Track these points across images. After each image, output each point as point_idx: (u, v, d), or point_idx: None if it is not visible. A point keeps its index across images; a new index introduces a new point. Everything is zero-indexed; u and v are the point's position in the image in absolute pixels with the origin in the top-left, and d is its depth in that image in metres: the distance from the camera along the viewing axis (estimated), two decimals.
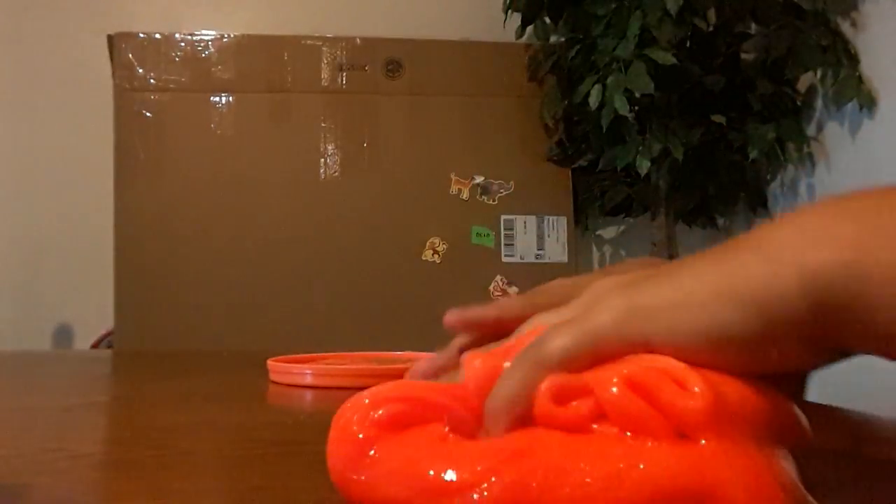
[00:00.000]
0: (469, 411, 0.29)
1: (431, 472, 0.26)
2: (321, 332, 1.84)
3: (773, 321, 0.26)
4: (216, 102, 1.91)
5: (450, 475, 0.26)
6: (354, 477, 0.28)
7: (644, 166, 1.77)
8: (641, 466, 0.25)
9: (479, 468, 0.26)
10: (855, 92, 1.71)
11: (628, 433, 0.26)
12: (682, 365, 0.27)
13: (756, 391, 0.28)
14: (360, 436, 0.29)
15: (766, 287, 0.26)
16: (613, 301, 0.29)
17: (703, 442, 0.26)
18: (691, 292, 0.27)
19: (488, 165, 1.98)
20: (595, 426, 0.27)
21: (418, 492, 0.26)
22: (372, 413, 0.29)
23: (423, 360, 0.42)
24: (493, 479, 0.26)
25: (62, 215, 2.21)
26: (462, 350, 0.40)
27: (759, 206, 2.02)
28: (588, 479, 0.25)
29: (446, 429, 0.29)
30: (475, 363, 0.30)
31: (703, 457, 0.26)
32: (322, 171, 1.92)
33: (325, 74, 1.94)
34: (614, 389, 0.27)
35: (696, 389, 0.26)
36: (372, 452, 0.28)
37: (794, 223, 0.27)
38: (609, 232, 2.28)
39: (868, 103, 1.71)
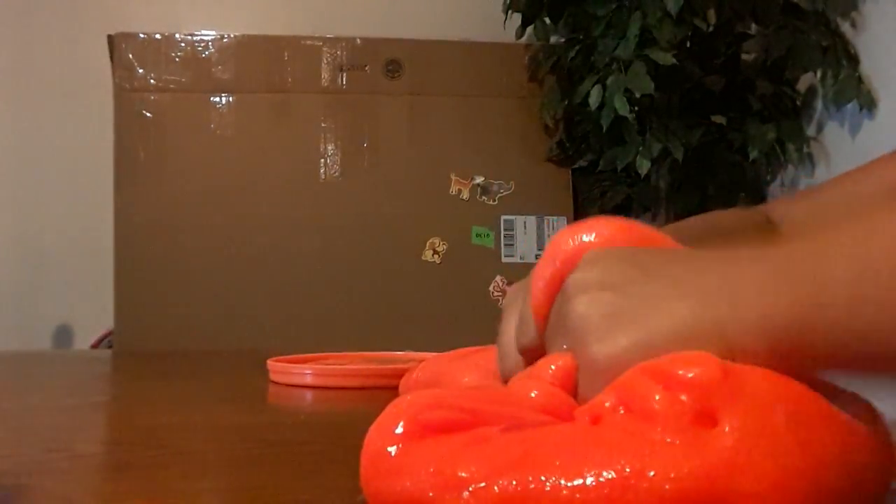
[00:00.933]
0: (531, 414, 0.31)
1: (447, 469, 0.27)
2: (321, 332, 1.83)
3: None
4: (216, 102, 1.91)
5: (462, 472, 0.27)
6: (382, 467, 0.29)
7: (644, 167, 1.77)
8: (651, 474, 0.25)
9: (488, 467, 0.27)
10: (855, 92, 1.70)
11: (645, 427, 0.26)
12: (699, 351, 0.28)
13: (799, 384, 0.28)
14: (400, 431, 0.29)
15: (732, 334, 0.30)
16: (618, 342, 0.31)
17: (726, 428, 0.26)
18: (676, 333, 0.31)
19: (488, 165, 1.98)
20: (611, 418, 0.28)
21: (432, 486, 0.27)
22: (420, 414, 0.30)
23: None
24: (498, 478, 0.26)
25: (62, 215, 2.21)
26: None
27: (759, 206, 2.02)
28: (590, 485, 0.25)
29: (497, 431, 0.29)
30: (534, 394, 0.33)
31: (720, 458, 0.25)
32: (322, 171, 1.92)
33: (325, 74, 1.94)
34: (637, 380, 0.28)
35: (709, 361, 0.27)
36: (399, 446, 0.29)
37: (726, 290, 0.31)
38: None
39: (868, 104, 1.71)
